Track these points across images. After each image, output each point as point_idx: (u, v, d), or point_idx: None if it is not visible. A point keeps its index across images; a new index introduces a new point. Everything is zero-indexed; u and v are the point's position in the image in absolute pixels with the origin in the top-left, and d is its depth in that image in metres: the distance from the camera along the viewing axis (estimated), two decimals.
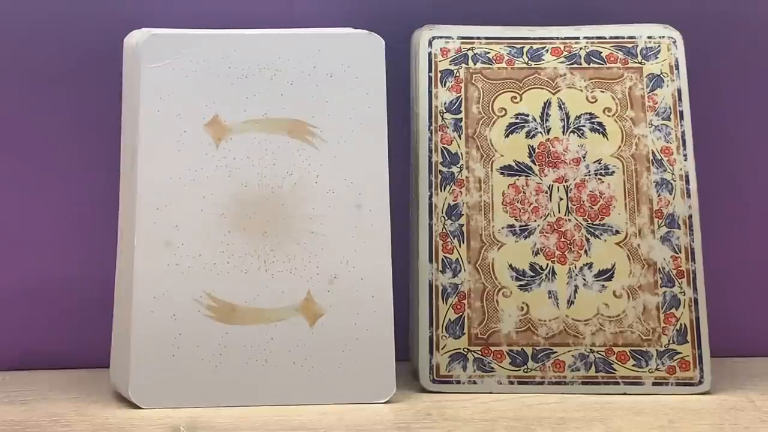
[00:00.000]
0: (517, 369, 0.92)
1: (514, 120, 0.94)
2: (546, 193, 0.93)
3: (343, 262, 0.88)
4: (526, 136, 0.94)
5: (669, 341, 0.92)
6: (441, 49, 0.96)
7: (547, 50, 0.96)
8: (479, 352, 0.92)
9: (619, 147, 0.94)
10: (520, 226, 0.93)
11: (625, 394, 0.91)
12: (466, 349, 0.92)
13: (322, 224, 0.88)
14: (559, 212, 0.93)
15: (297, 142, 0.89)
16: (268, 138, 0.88)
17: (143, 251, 0.87)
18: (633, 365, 0.91)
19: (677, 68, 0.95)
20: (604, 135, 0.94)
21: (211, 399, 0.87)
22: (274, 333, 0.88)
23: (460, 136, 0.94)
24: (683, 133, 0.94)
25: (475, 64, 0.95)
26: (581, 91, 0.95)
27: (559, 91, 0.95)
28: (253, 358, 0.88)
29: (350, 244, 0.89)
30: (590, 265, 0.93)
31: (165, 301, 0.87)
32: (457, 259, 0.93)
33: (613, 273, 0.92)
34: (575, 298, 0.92)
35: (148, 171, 0.87)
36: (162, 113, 0.87)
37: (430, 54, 0.95)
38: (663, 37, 0.96)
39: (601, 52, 0.96)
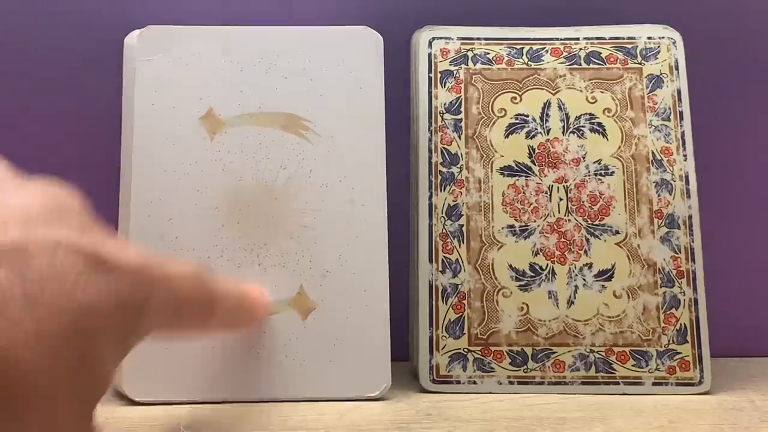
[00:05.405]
0: (517, 369, 0.91)
1: (514, 120, 0.94)
2: (546, 193, 0.93)
3: (335, 257, 0.88)
4: (526, 137, 0.94)
5: (669, 341, 0.91)
6: (441, 49, 0.96)
7: (547, 51, 0.96)
8: (479, 353, 0.91)
9: (619, 147, 0.94)
10: (520, 226, 0.93)
11: (625, 394, 0.91)
12: (466, 350, 0.91)
13: (315, 218, 0.88)
14: (559, 212, 0.93)
15: (291, 136, 0.89)
16: (262, 132, 0.89)
17: (137, 244, 0.87)
18: (633, 365, 0.91)
19: (677, 68, 0.95)
20: (604, 135, 0.94)
21: (204, 393, 0.87)
22: (266, 327, 0.88)
23: (460, 137, 0.94)
24: (683, 133, 0.94)
25: (475, 64, 0.95)
26: (581, 91, 0.95)
27: (558, 91, 0.95)
28: (246, 351, 0.87)
29: (343, 238, 0.89)
30: (590, 266, 0.92)
31: None
32: (457, 259, 0.92)
33: (613, 273, 0.92)
34: (575, 298, 0.92)
35: (142, 164, 0.88)
36: (156, 106, 0.88)
37: (429, 54, 0.95)
38: (663, 37, 0.96)
39: (600, 53, 0.96)
